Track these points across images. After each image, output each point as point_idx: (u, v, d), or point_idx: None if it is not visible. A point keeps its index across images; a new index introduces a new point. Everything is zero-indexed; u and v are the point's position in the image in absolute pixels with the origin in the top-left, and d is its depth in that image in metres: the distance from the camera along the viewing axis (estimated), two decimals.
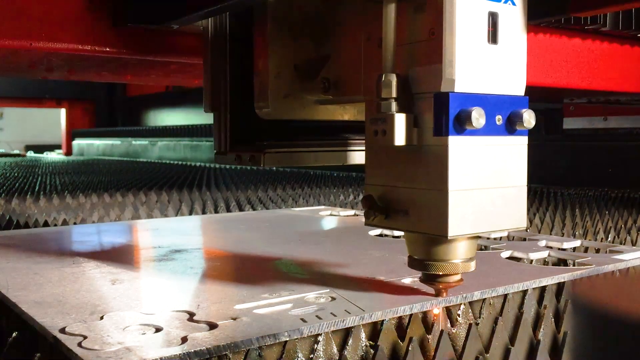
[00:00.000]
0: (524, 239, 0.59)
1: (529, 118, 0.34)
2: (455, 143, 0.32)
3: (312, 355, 0.31)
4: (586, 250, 0.56)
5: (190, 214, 0.86)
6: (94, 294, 0.38)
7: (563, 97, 1.20)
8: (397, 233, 0.57)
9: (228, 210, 0.90)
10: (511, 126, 0.34)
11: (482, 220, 0.34)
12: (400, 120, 0.33)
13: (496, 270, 0.44)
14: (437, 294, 0.37)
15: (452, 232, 0.33)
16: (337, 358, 0.32)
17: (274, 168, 1.83)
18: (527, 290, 0.40)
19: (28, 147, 4.18)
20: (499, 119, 0.34)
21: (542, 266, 0.48)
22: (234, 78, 0.45)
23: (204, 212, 0.88)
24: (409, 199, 0.35)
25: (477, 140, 0.33)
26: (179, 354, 0.28)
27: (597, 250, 0.55)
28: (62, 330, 0.31)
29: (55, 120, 3.85)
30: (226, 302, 0.36)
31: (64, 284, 0.40)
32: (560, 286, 0.43)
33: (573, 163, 1.36)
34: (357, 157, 0.46)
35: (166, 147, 2.64)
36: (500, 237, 0.60)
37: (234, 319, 0.32)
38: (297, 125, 0.45)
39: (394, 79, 0.33)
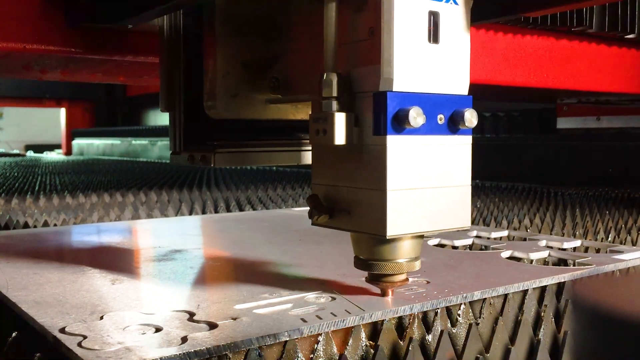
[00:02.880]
0: (525, 239, 0.59)
1: (470, 117, 0.34)
2: (394, 142, 0.32)
3: (312, 355, 0.31)
4: (586, 250, 0.56)
5: (190, 213, 0.86)
6: (93, 294, 0.38)
7: (555, 97, 1.21)
8: None
9: (228, 210, 0.90)
10: (453, 125, 0.34)
11: (423, 219, 0.34)
12: (340, 120, 0.33)
13: (496, 270, 0.44)
14: (383, 293, 0.37)
15: (390, 231, 0.33)
16: (337, 358, 0.32)
17: (274, 168, 1.83)
18: (527, 290, 0.40)
19: (28, 147, 4.18)
20: (440, 118, 0.34)
21: (543, 266, 0.48)
22: (188, 78, 0.44)
23: (204, 212, 0.88)
24: (351, 198, 0.34)
25: (417, 139, 0.33)
26: (179, 354, 0.28)
27: (598, 250, 0.55)
28: (62, 330, 0.31)
29: (55, 119, 3.85)
30: (226, 302, 0.36)
31: (63, 283, 0.40)
32: (560, 286, 0.43)
33: (572, 163, 1.36)
34: (310, 156, 0.46)
35: (166, 147, 2.63)
36: (501, 237, 0.60)
37: (234, 318, 0.32)
38: (251, 125, 0.45)
39: (334, 78, 0.33)
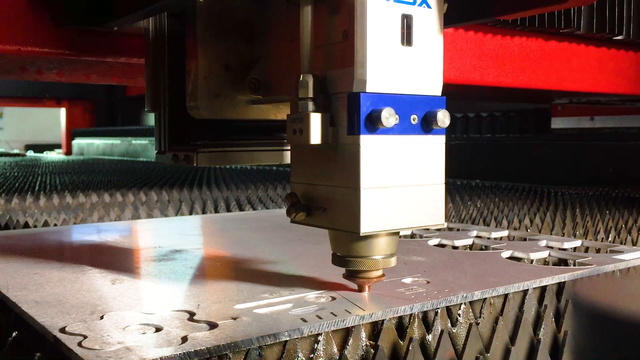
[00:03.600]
0: (525, 239, 0.59)
1: (443, 117, 0.35)
2: (367, 142, 0.33)
3: (312, 355, 0.31)
4: (587, 250, 0.56)
5: (191, 213, 0.86)
6: (94, 294, 0.38)
7: (546, 98, 1.22)
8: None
9: (228, 209, 0.90)
10: (427, 125, 0.35)
11: (397, 217, 0.35)
12: (315, 120, 0.34)
13: (497, 270, 0.44)
14: (360, 289, 0.38)
15: (364, 229, 0.33)
16: (338, 358, 0.32)
17: (274, 167, 1.83)
18: (527, 290, 0.40)
19: (28, 147, 4.18)
20: (414, 119, 0.34)
21: (543, 266, 0.48)
22: (172, 78, 0.45)
23: (204, 212, 0.88)
24: (327, 196, 0.35)
25: (391, 139, 0.34)
26: (179, 354, 0.28)
27: (598, 250, 0.55)
28: (62, 330, 0.31)
29: (55, 119, 3.85)
30: (226, 301, 0.36)
31: (63, 283, 0.40)
32: (560, 286, 0.43)
33: (571, 163, 1.36)
34: None
35: None
36: (501, 237, 0.60)
37: (234, 318, 0.32)
38: (233, 125, 0.46)
39: (310, 80, 0.34)
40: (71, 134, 3.52)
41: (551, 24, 0.76)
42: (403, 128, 0.34)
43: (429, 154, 0.35)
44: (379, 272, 0.37)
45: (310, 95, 0.34)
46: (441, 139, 0.36)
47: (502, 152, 1.49)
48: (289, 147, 0.46)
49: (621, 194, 1.07)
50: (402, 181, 0.35)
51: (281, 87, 0.41)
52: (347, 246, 0.36)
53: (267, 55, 0.42)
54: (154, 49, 0.46)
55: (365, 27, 0.32)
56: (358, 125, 0.33)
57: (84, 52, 0.56)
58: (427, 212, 0.36)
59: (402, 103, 0.34)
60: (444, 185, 0.37)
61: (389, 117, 0.32)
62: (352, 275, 0.37)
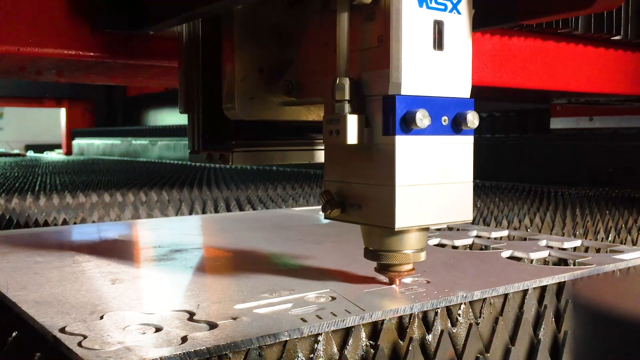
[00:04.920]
0: (525, 239, 0.59)
1: (472, 119, 0.36)
2: (402, 142, 0.35)
3: (312, 355, 0.31)
4: (587, 249, 0.56)
5: (191, 213, 0.86)
6: (93, 294, 0.38)
7: (544, 98, 1.22)
8: None
9: (228, 209, 0.90)
10: (457, 126, 0.37)
11: (429, 213, 0.36)
12: (352, 121, 0.35)
13: (497, 269, 0.44)
14: (391, 282, 0.39)
15: (399, 224, 0.35)
16: (337, 358, 0.32)
17: (274, 167, 1.83)
18: (527, 289, 0.40)
19: (28, 147, 4.18)
20: (444, 120, 0.36)
21: (543, 266, 0.48)
22: (205, 81, 0.47)
23: (204, 212, 0.88)
24: (361, 193, 0.37)
25: (423, 139, 0.35)
26: (179, 354, 0.28)
27: (598, 250, 0.55)
28: (62, 330, 0.31)
29: (55, 119, 3.85)
30: (226, 301, 0.36)
31: (63, 283, 0.40)
32: (560, 286, 0.43)
33: (571, 162, 1.36)
34: (322, 155, 0.48)
35: (166, 147, 2.64)
36: (501, 237, 0.60)
37: (234, 318, 0.32)
38: (266, 126, 0.47)
39: (347, 83, 0.36)
40: (71, 134, 3.52)
41: (549, 24, 0.77)
42: (435, 129, 0.36)
43: (458, 153, 0.37)
44: (410, 266, 0.38)
45: (347, 97, 0.36)
46: (470, 139, 0.38)
47: (502, 152, 1.49)
48: (319, 147, 0.48)
49: (621, 194, 1.07)
50: (433, 179, 0.36)
51: (314, 90, 0.42)
52: (380, 241, 0.38)
53: (301, 59, 0.44)
54: (187, 52, 0.48)
55: (400, 33, 0.34)
56: (393, 126, 0.34)
57: (120, 55, 0.58)
58: (456, 209, 0.37)
59: (434, 105, 0.35)
60: (472, 183, 0.38)
61: (422, 118, 0.34)
62: (383, 269, 0.39)
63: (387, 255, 0.38)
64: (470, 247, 0.58)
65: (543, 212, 0.82)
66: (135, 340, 0.29)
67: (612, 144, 1.32)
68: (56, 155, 3.35)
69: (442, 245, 0.57)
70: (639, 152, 1.26)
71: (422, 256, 0.38)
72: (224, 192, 1.10)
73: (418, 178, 0.35)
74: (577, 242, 0.57)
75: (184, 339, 0.29)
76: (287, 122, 0.47)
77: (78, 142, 3.48)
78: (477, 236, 0.60)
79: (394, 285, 0.39)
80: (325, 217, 0.39)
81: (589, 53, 0.87)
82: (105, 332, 0.30)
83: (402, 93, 0.34)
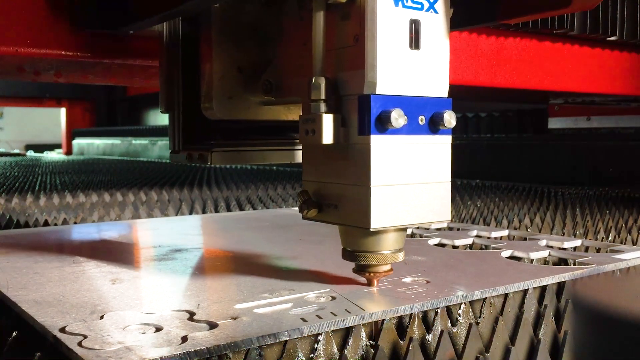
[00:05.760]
0: (525, 239, 0.59)
1: (449, 118, 0.36)
2: (377, 142, 0.34)
3: (312, 355, 0.31)
4: (587, 249, 0.56)
5: (191, 213, 0.86)
6: (94, 294, 0.38)
7: (541, 98, 1.22)
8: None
9: (228, 209, 0.90)
10: (434, 126, 0.36)
11: (405, 213, 0.36)
12: (327, 121, 0.35)
13: (497, 269, 0.44)
14: (369, 283, 0.39)
15: (374, 224, 0.35)
16: (338, 358, 0.32)
17: (274, 167, 1.83)
18: (527, 289, 0.40)
19: (28, 147, 4.18)
20: (421, 119, 0.36)
21: (543, 266, 0.48)
22: (186, 80, 0.47)
23: (204, 212, 0.88)
24: (338, 193, 0.37)
25: (399, 139, 0.35)
26: (179, 354, 0.28)
27: (598, 250, 0.55)
28: (62, 330, 0.31)
29: (55, 119, 3.85)
30: (226, 301, 0.36)
31: (64, 283, 0.40)
32: (560, 285, 0.43)
33: (571, 162, 1.36)
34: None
35: (166, 147, 2.63)
36: (501, 237, 0.60)
37: (234, 318, 0.32)
38: (246, 126, 0.47)
39: (322, 82, 0.35)
40: (71, 134, 3.52)
41: (545, 25, 0.77)
42: (411, 128, 0.35)
43: (435, 153, 0.37)
44: (387, 267, 0.38)
45: (323, 97, 0.35)
46: (447, 139, 0.37)
47: (501, 152, 1.49)
48: (299, 147, 0.47)
49: (621, 194, 1.07)
50: (410, 179, 0.36)
51: (292, 89, 0.42)
52: (357, 241, 0.37)
53: (279, 58, 0.43)
54: (168, 51, 0.47)
55: (375, 32, 0.34)
56: (369, 125, 0.34)
57: (100, 55, 0.58)
58: (433, 209, 0.37)
59: (410, 104, 0.35)
60: (450, 183, 0.38)
61: (398, 118, 0.34)
62: (361, 269, 0.39)
63: (365, 256, 0.37)
64: (470, 247, 0.58)
65: (543, 212, 0.82)
66: (136, 340, 0.29)
67: (610, 143, 1.32)
68: (56, 155, 3.35)
69: (442, 245, 0.57)
70: (639, 151, 1.26)
71: (400, 257, 0.38)
72: (224, 191, 1.10)
73: (394, 178, 0.35)
74: (577, 242, 0.57)
75: (184, 339, 0.29)
76: (267, 121, 0.47)
77: (78, 142, 3.48)
78: (477, 236, 0.60)
79: (364, 291, 0.38)
80: (303, 218, 0.39)
81: (584, 53, 0.87)
82: (105, 332, 0.30)
83: (377, 92, 0.34)
